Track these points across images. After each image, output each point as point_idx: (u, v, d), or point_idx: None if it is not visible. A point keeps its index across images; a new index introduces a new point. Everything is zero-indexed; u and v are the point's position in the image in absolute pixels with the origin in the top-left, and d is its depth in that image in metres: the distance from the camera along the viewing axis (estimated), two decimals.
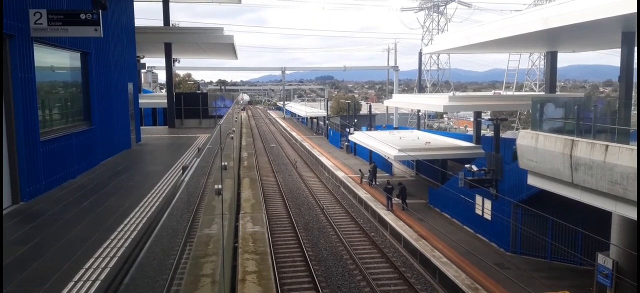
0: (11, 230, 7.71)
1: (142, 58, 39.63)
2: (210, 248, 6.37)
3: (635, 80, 19.70)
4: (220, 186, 5.98)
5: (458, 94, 40.65)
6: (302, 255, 20.07)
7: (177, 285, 4.79)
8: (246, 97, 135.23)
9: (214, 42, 26.51)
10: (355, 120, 47.86)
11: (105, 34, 12.84)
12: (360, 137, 37.44)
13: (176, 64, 43.68)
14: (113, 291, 2.04)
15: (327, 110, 68.72)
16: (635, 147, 11.61)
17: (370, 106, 57.93)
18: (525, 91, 65.33)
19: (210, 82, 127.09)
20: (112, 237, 7.30)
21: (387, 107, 57.71)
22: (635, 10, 12.91)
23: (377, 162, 35.75)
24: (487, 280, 16.75)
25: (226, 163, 7.49)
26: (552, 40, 24.71)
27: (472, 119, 38.91)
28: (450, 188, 24.44)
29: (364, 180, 32.37)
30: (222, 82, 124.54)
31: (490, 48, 32.42)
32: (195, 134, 21.95)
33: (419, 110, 49.50)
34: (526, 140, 15.98)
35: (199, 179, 7.14)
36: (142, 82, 45.63)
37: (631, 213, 12.19)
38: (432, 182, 31.23)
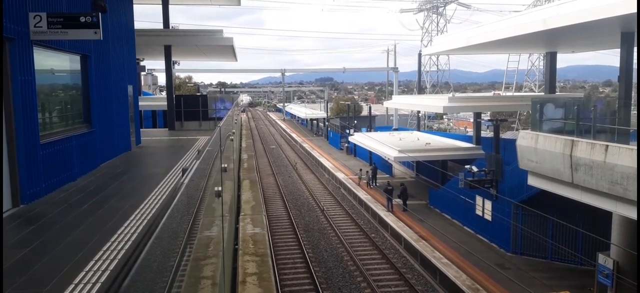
0: (11, 233, 7.70)
1: (142, 60, 39.60)
2: (210, 250, 6.37)
3: (634, 80, 19.71)
4: (220, 188, 5.98)
5: (458, 94, 40.71)
6: (302, 257, 20.06)
7: (178, 287, 4.79)
8: (247, 99, 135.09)
9: (213, 44, 26.49)
10: (355, 121, 47.87)
11: (105, 36, 12.84)
12: (360, 139, 37.44)
13: (176, 67, 43.68)
14: None
15: (327, 112, 68.73)
16: (635, 147, 11.62)
17: (370, 107, 57.94)
18: (525, 92, 65.36)
19: (210, 84, 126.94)
20: (113, 239, 7.29)
21: (387, 108, 57.70)
22: (634, 10, 12.93)
23: (377, 163, 35.75)
24: (488, 281, 16.75)
25: (226, 165, 7.49)
26: (551, 41, 24.72)
27: (471, 120, 38.93)
28: (451, 189, 24.44)
29: (362, 178, 32.40)
30: (221, 84, 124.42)
31: (490, 49, 32.45)
32: (195, 136, 21.95)
33: (418, 112, 49.53)
34: (526, 140, 15.98)
35: (199, 181, 7.14)
36: (142, 84, 45.60)
37: (631, 213, 12.19)
38: (432, 183, 31.21)
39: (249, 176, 16.21)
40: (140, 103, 24.08)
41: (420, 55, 52.24)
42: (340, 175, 35.35)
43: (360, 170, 33.76)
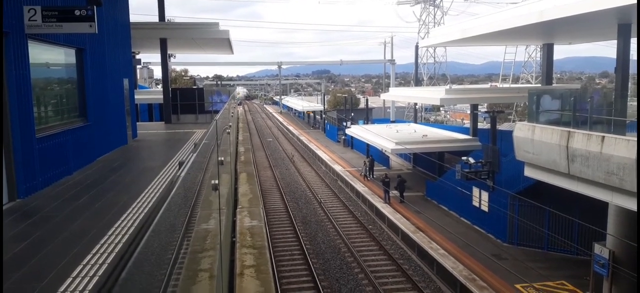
0: (8, 227, 7.69)
1: (138, 54, 39.47)
2: (208, 243, 6.38)
3: (631, 71, 19.74)
4: (217, 181, 5.99)
5: (455, 86, 40.74)
6: (300, 249, 20.11)
7: (175, 280, 4.80)
8: (243, 92, 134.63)
9: (209, 37, 26.41)
10: (352, 113, 47.85)
11: (100, 30, 12.75)
12: (357, 131, 37.44)
13: (172, 60, 43.55)
14: (111, 287, 2.05)
15: (324, 104, 68.65)
16: (632, 138, 11.65)
17: (367, 100, 57.89)
18: (522, 83, 65.37)
19: (207, 77, 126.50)
20: (110, 233, 7.29)
21: (384, 100, 57.71)
22: (630, 1, 12.92)
23: (374, 155, 35.78)
24: (485, 271, 16.84)
25: (223, 158, 7.49)
26: (548, 33, 24.71)
27: (469, 112, 38.98)
28: (448, 181, 24.50)
29: (363, 172, 32.43)
30: (218, 77, 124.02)
31: (487, 41, 32.43)
32: (192, 129, 21.91)
33: (415, 104, 49.54)
34: (523, 132, 16.01)
35: (196, 174, 7.14)
36: (138, 77, 45.51)
37: (627, 203, 12.25)
38: (429, 175, 31.27)
39: (246, 169, 16.24)
40: (136, 96, 24.00)
41: (417, 47, 52.18)
42: (337, 168, 35.38)
43: (364, 162, 33.71)
